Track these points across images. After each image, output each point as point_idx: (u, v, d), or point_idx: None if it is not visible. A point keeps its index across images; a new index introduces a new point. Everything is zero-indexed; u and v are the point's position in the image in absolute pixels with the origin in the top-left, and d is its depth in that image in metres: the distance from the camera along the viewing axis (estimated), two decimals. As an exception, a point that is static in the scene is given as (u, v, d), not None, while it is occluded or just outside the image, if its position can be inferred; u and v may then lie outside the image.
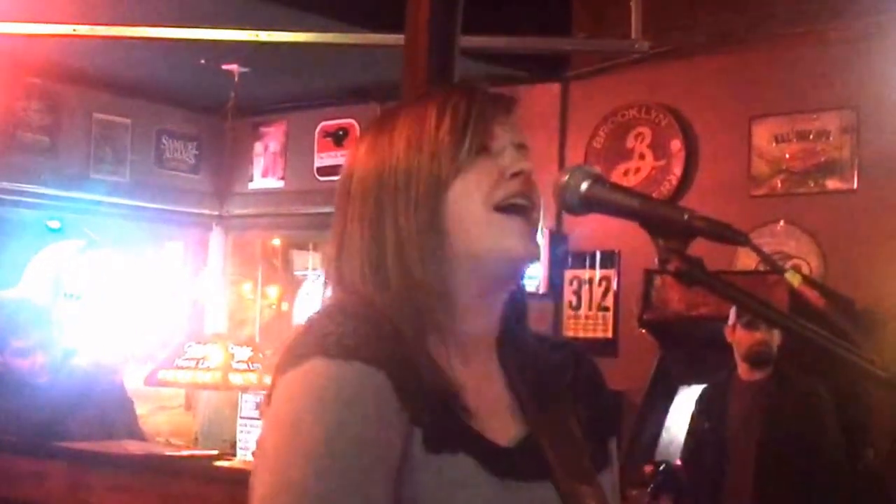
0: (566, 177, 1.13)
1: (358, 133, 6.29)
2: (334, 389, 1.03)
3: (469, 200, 1.13)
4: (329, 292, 1.18)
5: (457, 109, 1.16)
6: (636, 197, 1.13)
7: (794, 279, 1.02)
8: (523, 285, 1.24)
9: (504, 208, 1.14)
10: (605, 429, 1.24)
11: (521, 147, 1.17)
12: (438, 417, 1.07)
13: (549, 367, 1.21)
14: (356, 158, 1.20)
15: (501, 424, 1.14)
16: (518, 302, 1.22)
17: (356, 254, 1.15)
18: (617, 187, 1.15)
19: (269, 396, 1.07)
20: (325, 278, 1.20)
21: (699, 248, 1.07)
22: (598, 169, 1.16)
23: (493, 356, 1.19)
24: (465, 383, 1.12)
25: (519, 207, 1.14)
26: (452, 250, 1.13)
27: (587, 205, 1.13)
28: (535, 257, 1.16)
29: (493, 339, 1.19)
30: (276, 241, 7.02)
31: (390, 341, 1.07)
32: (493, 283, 1.17)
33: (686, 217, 1.07)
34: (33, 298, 4.53)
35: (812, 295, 1.02)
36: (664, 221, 1.09)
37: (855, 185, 4.72)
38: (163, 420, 6.22)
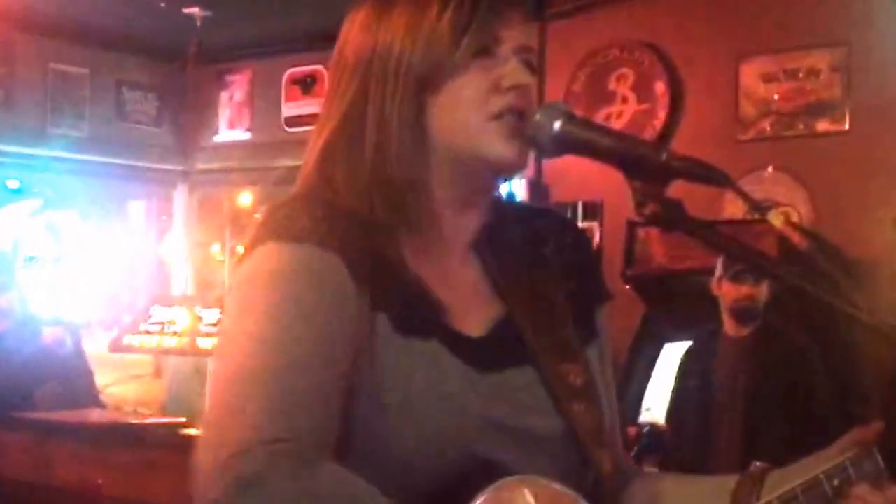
0: (538, 115, 1.11)
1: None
2: (286, 270, 1.04)
3: (460, 105, 1.12)
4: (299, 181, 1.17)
5: (461, 2, 1.12)
6: (612, 136, 1.11)
7: (776, 220, 1.01)
8: (512, 195, 1.24)
9: (496, 117, 1.12)
10: (592, 297, 1.24)
11: (525, 50, 1.15)
12: (406, 304, 1.08)
13: (530, 237, 1.21)
14: (349, 32, 1.17)
15: (476, 313, 1.15)
16: (505, 205, 1.22)
17: (336, 134, 1.15)
18: (592, 125, 1.13)
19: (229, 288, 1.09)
20: (304, 163, 1.17)
21: (682, 195, 1.05)
22: (571, 107, 1.13)
23: (468, 252, 1.19)
24: (436, 279, 1.12)
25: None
26: (434, 151, 1.12)
27: (560, 144, 1.10)
28: (524, 166, 1.16)
29: (468, 239, 1.19)
30: (245, 197, 6.97)
31: (353, 228, 1.08)
32: (473, 187, 1.16)
33: (664, 157, 1.05)
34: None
35: (796, 237, 1.00)
36: (641, 162, 1.06)
37: (846, 126, 4.70)
38: (130, 389, 6.20)
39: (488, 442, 1.07)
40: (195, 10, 5.68)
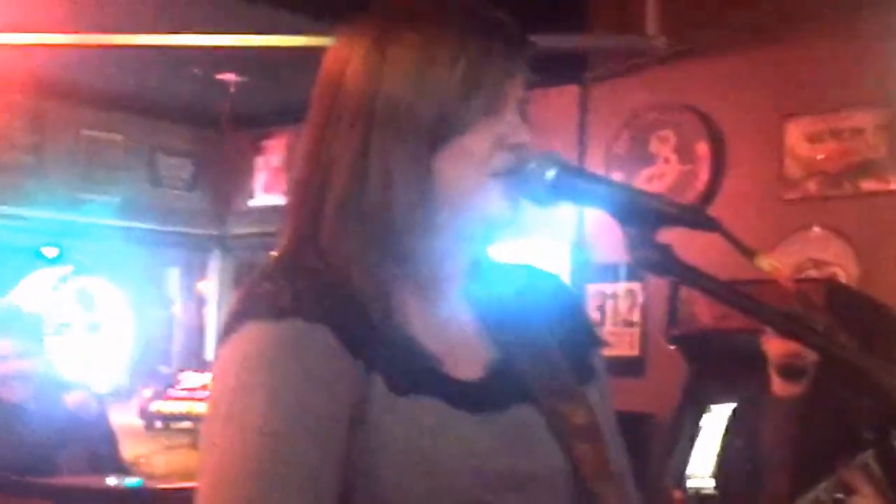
0: (532, 164, 1.16)
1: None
2: (268, 354, 1.04)
3: (464, 162, 1.13)
4: (282, 241, 1.17)
5: (474, 56, 1.12)
6: (605, 183, 1.17)
7: (762, 263, 1.05)
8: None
9: (496, 174, 1.15)
10: (584, 343, 1.27)
11: (524, 101, 1.18)
12: (400, 361, 1.09)
13: (521, 291, 1.24)
14: (347, 63, 1.15)
15: (472, 356, 1.17)
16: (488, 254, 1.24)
17: (334, 179, 1.13)
18: (586, 174, 1.18)
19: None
20: (285, 214, 1.17)
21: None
22: (564, 156, 1.19)
23: (459, 294, 1.21)
24: (429, 326, 1.14)
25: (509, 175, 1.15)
26: (438, 204, 1.13)
27: (553, 193, 1.15)
28: (517, 223, 1.18)
29: (459, 277, 1.21)
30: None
31: (339, 294, 1.08)
32: (471, 239, 1.19)
33: (654, 203, 1.11)
34: (23, 306, 4.56)
35: (784, 280, 1.05)
36: (633, 209, 1.12)
37: (892, 186, 4.72)
38: (164, 459, 6.25)
39: (497, 491, 1.09)
40: (229, 76, 5.81)
